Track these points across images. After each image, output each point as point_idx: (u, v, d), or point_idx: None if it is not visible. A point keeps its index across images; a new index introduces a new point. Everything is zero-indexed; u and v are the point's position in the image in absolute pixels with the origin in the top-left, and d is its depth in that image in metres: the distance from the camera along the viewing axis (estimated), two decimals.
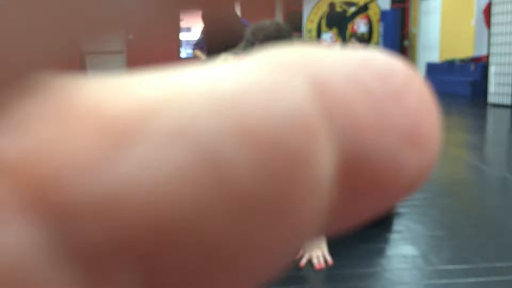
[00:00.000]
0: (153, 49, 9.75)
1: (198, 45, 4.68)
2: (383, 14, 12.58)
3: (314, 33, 12.71)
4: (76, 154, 0.09)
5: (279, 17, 11.97)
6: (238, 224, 0.09)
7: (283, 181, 0.09)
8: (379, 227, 2.55)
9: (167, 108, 0.09)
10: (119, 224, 0.09)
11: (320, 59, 0.10)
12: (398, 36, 12.72)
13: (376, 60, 0.11)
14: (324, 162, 0.10)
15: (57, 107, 0.09)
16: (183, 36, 11.81)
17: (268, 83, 0.10)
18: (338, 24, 12.81)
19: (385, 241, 2.48)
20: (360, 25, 12.79)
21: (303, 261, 2.17)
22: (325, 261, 2.17)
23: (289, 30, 2.30)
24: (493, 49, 8.60)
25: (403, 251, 2.36)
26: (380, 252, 2.35)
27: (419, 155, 0.11)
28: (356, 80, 0.10)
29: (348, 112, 0.10)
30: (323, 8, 12.71)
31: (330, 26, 12.82)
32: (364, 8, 12.85)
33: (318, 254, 2.18)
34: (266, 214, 0.09)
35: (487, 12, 9.42)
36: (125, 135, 0.09)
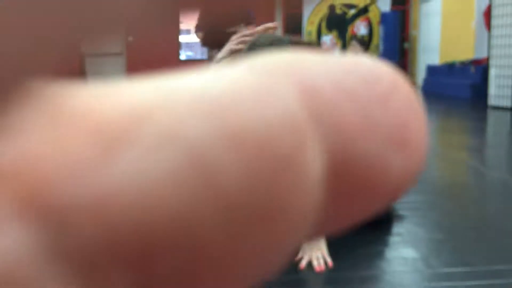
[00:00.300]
0: (153, 51, 9.75)
1: (199, 28, 4.61)
2: (383, 17, 12.58)
3: (314, 35, 12.71)
4: (69, 158, 0.09)
5: (279, 19, 11.97)
6: (228, 227, 0.09)
7: (271, 185, 0.09)
8: (379, 230, 2.54)
9: (157, 112, 0.09)
10: (111, 227, 0.09)
11: (308, 64, 0.10)
12: (398, 38, 12.73)
13: (363, 65, 0.11)
14: (312, 166, 0.10)
15: (50, 112, 0.09)
16: (183, 38, 11.81)
17: (257, 88, 0.10)
18: (338, 27, 12.82)
19: (385, 243, 2.48)
20: (360, 28, 12.79)
21: (303, 263, 2.16)
22: (325, 263, 2.17)
23: (289, 41, 2.27)
24: (494, 52, 8.60)
25: (403, 254, 2.35)
26: (380, 255, 2.35)
27: (405, 159, 0.11)
28: (344, 85, 0.10)
29: (336, 117, 0.10)
30: (323, 10, 12.72)
31: (330, 28, 12.82)
32: (364, 11, 12.85)
33: (318, 256, 2.17)
34: (255, 217, 0.09)
35: (488, 15, 9.42)
36: (117, 139, 0.09)
